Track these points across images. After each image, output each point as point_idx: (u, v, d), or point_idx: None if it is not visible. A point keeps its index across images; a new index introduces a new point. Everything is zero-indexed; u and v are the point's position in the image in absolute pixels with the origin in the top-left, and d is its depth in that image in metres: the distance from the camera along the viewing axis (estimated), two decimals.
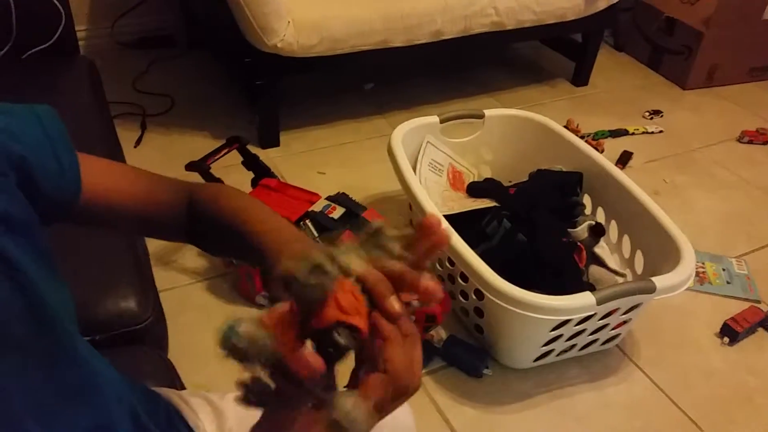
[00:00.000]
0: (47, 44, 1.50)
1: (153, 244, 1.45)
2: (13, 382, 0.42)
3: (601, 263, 1.52)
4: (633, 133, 2.30)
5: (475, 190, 1.68)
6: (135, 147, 2.00)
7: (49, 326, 0.46)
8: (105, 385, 0.51)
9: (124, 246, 1.03)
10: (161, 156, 1.96)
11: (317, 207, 1.46)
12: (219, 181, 1.45)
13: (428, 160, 1.67)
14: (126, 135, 1.98)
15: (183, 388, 0.84)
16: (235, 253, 0.63)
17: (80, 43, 1.67)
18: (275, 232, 0.58)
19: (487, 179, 1.77)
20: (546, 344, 1.33)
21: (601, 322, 1.31)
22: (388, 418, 0.81)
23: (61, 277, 0.50)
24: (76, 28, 1.57)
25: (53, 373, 0.45)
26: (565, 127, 1.79)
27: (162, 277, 1.43)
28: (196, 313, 1.48)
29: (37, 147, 0.53)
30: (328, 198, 1.51)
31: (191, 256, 1.62)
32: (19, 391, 0.42)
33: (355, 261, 0.42)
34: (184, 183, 0.66)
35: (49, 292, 0.47)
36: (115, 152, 1.33)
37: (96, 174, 0.60)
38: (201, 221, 0.63)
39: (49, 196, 0.54)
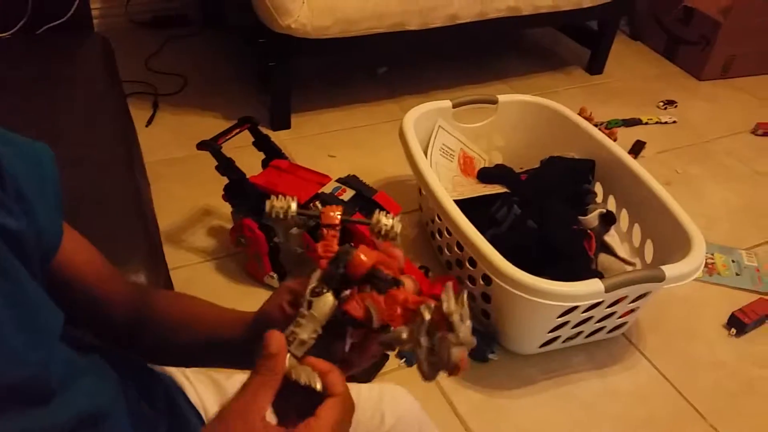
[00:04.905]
0: (61, 20, 1.51)
1: (164, 223, 1.45)
2: None
3: (611, 251, 1.52)
4: (646, 123, 2.28)
5: (485, 175, 1.68)
6: (146, 126, 2.01)
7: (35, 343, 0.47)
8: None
9: (135, 222, 1.03)
10: (172, 135, 1.96)
11: (327, 189, 1.46)
12: (230, 160, 1.46)
13: (439, 145, 1.66)
14: (138, 114, 1.98)
15: None
16: (188, 356, 0.67)
17: (94, 21, 1.67)
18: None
19: (498, 165, 1.76)
20: (552, 331, 1.33)
21: (608, 309, 1.31)
22: (392, 403, 0.82)
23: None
24: (90, 6, 1.57)
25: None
26: (579, 115, 1.77)
27: (172, 256, 1.44)
28: (205, 292, 1.47)
29: (36, 185, 0.52)
30: (339, 180, 1.50)
31: (201, 236, 1.63)
32: None
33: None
34: (140, 285, 0.67)
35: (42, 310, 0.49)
36: (128, 130, 1.34)
37: (74, 243, 0.58)
38: (152, 324, 0.64)
39: (37, 236, 0.52)
